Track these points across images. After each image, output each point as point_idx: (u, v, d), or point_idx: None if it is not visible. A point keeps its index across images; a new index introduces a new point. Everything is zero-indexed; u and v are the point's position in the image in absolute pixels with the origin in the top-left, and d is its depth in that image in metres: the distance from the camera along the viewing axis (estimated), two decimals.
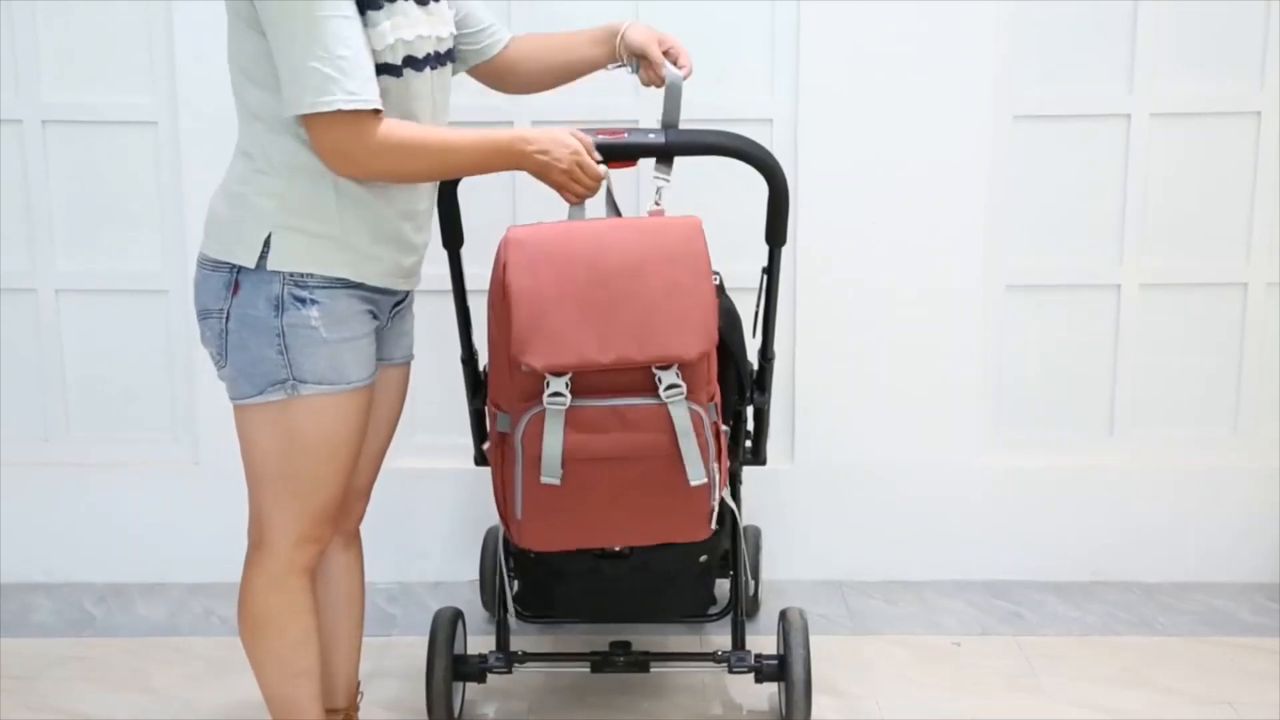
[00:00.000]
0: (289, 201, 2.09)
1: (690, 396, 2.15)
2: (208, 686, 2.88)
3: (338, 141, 2.02)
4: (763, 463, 2.75)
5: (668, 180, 2.33)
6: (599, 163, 2.19)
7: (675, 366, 2.14)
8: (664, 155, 2.34)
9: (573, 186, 2.18)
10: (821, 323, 3.22)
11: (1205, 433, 3.34)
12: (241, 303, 2.10)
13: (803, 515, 3.31)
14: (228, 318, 2.11)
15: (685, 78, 2.40)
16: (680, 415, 2.14)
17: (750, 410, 2.67)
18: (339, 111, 1.99)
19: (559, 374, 2.13)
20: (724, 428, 2.34)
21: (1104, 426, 3.33)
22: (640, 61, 2.43)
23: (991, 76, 3.15)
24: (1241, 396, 3.31)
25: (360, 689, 2.53)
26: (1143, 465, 3.31)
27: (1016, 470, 3.32)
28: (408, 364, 2.39)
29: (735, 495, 2.70)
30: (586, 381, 2.14)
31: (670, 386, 2.14)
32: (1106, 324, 3.28)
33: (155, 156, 3.21)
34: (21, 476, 3.32)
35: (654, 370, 2.14)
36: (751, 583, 3.08)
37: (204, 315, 2.15)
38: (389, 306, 2.26)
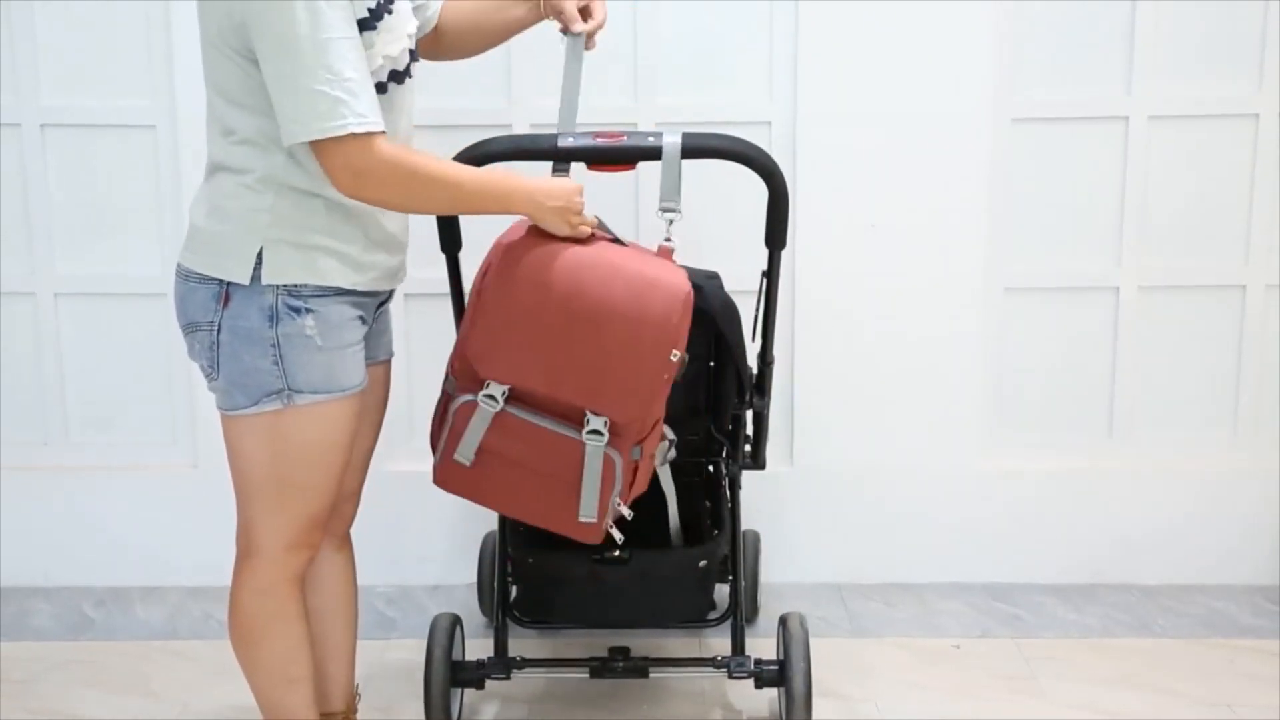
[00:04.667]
0: (280, 215, 2.08)
1: (612, 442, 2.23)
2: (207, 690, 2.88)
3: (351, 160, 2.01)
4: (761, 467, 2.75)
5: (678, 213, 2.29)
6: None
7: (606, 417, 2.22)
8: (657, 157, 2.31)
9: (570, 231, 2.21)
10: (820, 325, 3.22)
11: (1204, 435, 3.33)
12: (233, 314, 2.09)
13: (802, 518, 3.31)
14: (219, 330, 2.10)
15: (591, 30, 2.42)
16: (593, 458, 2.23)
17: (749, 414, 2.66)
18: (351, 135, 1.99)
19: (501, 383, 2.23)
20: (669, 437, 2.47)
21: (1103, 429, 3.33)
22: (559, 18, 2.42)
23: (990, 79, 3.15)
24: (1241, 399, 3.31)
25: (358, 692, 2.53)
26: (1142, 468, 3.31)
27: (1016, 473, 3.31)
28: (389, 361, 2.40)
29: (734, 500, 2.70)
30: (524, 393, 2.24)
31: (593, 432, 2.22)
32: (1105, 326, 3.28)
33: (154, 160, 3.21)
34: (21, 480, 3.31)
35: (586, 411, 2.22)
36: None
37: (192, 328, 2.14)
38: (374, 308, 2.26)
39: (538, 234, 2.22)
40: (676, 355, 2.20)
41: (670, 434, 2.50)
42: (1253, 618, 3.17)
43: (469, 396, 2.24)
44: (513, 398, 2.24)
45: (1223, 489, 3.31)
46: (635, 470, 2.29)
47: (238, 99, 2.06)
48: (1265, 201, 3.22)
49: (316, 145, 2.01)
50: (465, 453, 2.26)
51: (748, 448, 2.73)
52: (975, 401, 3.29)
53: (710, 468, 2.76)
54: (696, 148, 2.31)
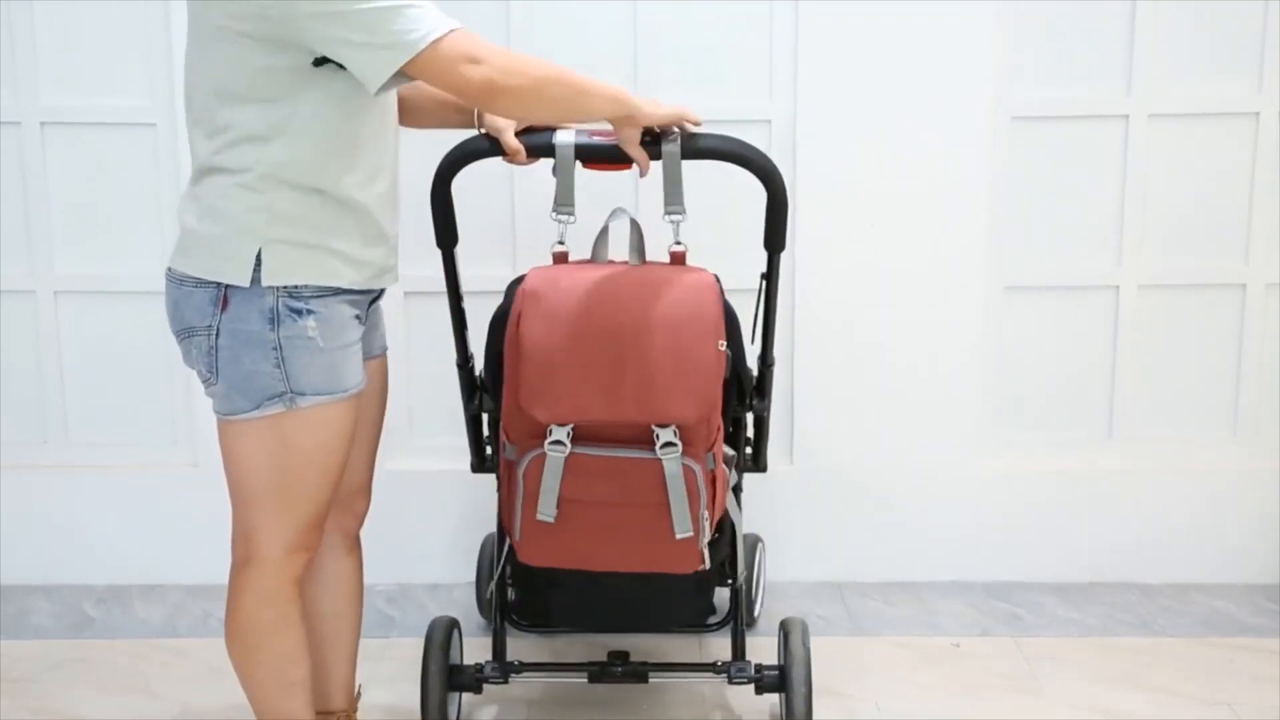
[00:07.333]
0: (278, 214, 2.06)
1: (686, 452, 2.21)
2: (206, 689, 2.88)
3: (461, 51, 1.98)
4: (763, 469, 2.72)
5: (683, 214, 2.29)
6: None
7: (674, 426, 2.20)
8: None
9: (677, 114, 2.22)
10: (820, 324, 3.22)
11: (1204, 434, 3.33)
12: (232, 318, 2.08)
13: (802, 517, 3.31)
14: (217, 334, 2.09)
15: (524, 163, 2.35)
16: (673, 471, 2.22)
17: (750, 416, 2.64)
18: (451, 30, 1.98)
19: (562, 424, 2.21)
20: (728, 455, 2.39)
21: (1103, 428, 3.33)
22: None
23: (990, 78, 3.15)
24: (1240, 398, 3.31)
25: (359, 691, 2.53)
26: (1142, 467, 3.31)
27: (1015, 471, 3.31)
28: (385, 355, 2.40)
29: (736, 503, 2.66)
30: (588, 430, 2.22)
31: (666, 444, 2.21)
32: (1105, 325, 3.28)
33: (154, 158, 3.21)
34: (21, 479, 3.31)
35: (653, 427, 2.20)
36: (753, 597, 3.06)
37: (188, 333, 2.13)
38: (368, 305, 2.26)
39: (555, 271, 2.26)
40: (723, 345, 2.24)
41: (730, 451, 2.47)
42: (1253, 617, 3.17)
43: (535, 451, 2.23)
44: (579, 438, 2.23)
45: (1223, 488, 3.31)
46: (714, 482, 2.28)
47: (238, 92, 2.03)
48: (1265, 201, 3.22)
49: (424, 60, 1.97)
50: (547, 510, 2.25)
51: (749, 450, 2.70)
52: (975, 400, 3.29)
53: None
54: (695, 149, 2.28)
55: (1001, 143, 3.19)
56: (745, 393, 2.57)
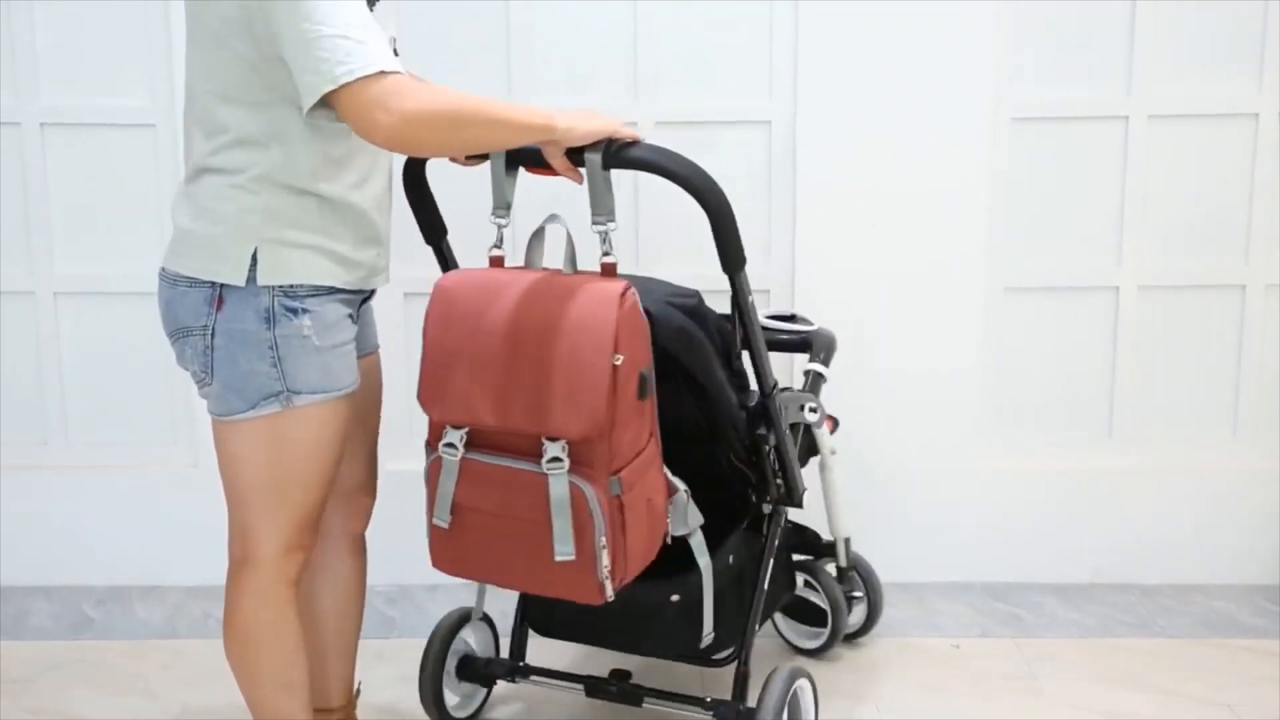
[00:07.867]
0: (273, 215, 2.06)
1: (577, 471, 2.12)
2: (206, 689, 2.88)
3: (386, 98, 1.91)
4: (798, 505, 2.59)
5: (609, 224, 2.16)
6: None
7: (562, 440, 2.12)
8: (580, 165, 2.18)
9: (614, 130, 2.14)
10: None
11: (1204, 435, 3.33)
12: (228, 318, 2.08)
13: (801, 517, 3.30)
14: (213, 334, 2.09)
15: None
16: (558, 489, 2.12)
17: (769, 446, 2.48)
18: (380, 72, 1.92)
19: (456, 426, 2.19)
20: (680, 487, 2.27)
21: (1103, 428, 3.33)
22: None
23: (990, 78, 3.15)
24: (1240, 398, 3.31)
25: (359, 688, 2.53)
26: (1142, 467, 3.31)
27: (1015, 472, 3.31)
28: (377, 352, 2.41)
29: (770, 536, 2.56)
30: (484, 437, 2.19)
31: (552, 459, 2.12)
32: (1105, 326, 3.28)
33: (154, 159, 3.22)
34: (21, 480, 3.32)
35: (542, 440, 2.13)
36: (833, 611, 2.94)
37: (182, 334, 2.12)
38: (359, 304, 2.26)
39: (471, 273, 2.23)
40: (620, 359, 2.09)
41: (682, 486, 2.29)
42: (1253, 618, 3.17)
43: (435, 454, 2.23)
44: (474, 444, 2.19)
45: (1222, 488, 3.31)
46: (621, 509, 2.14)
47: (235, 96, 2.04)
48: (1265, 201, 3.22)
49: (345, 95, 1.92)
50: (441, 513, 2.23)
51: (779, 482, 2.53)
52: (975, 401, 3.29)
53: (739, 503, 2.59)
54: (618, 160, 2.14)
55: (1001, 143, 3.19)
56: (733, 418, 2.42)
